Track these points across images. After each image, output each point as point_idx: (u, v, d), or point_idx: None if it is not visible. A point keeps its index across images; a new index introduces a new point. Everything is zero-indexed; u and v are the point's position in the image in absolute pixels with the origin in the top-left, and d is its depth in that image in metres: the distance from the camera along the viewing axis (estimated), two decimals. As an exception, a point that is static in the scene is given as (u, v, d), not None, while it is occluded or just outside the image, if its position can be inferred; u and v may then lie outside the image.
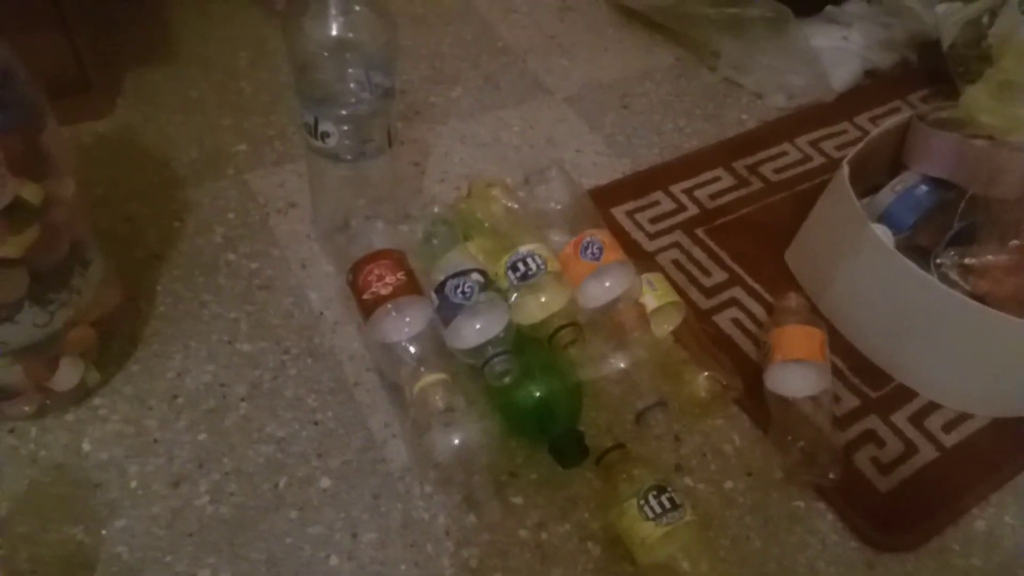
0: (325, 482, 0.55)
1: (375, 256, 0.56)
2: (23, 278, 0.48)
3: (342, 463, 0.56)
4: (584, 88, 0.92)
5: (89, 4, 0.88)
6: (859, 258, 0.61)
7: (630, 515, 0.49)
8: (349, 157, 0.60)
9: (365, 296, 0.55)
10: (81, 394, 0.57)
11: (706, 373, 0.58)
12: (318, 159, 0.61)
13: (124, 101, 0.82)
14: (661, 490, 0.50)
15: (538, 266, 0.56)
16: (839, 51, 0.92)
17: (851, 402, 0.61)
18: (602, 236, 0.59)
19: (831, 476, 0.54)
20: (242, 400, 0.59)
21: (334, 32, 0.56)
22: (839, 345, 0.63)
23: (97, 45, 0.86)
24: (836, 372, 0.62)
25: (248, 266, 0.68)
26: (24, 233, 0.47)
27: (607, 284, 0.57)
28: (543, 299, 0.55)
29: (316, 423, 0.58)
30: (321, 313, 0.65)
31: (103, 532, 0.51)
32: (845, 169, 0.63)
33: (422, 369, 0.53)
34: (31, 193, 0.46)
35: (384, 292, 0.54)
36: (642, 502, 0.49)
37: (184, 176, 0.75)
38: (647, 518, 0.49)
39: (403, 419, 0.57)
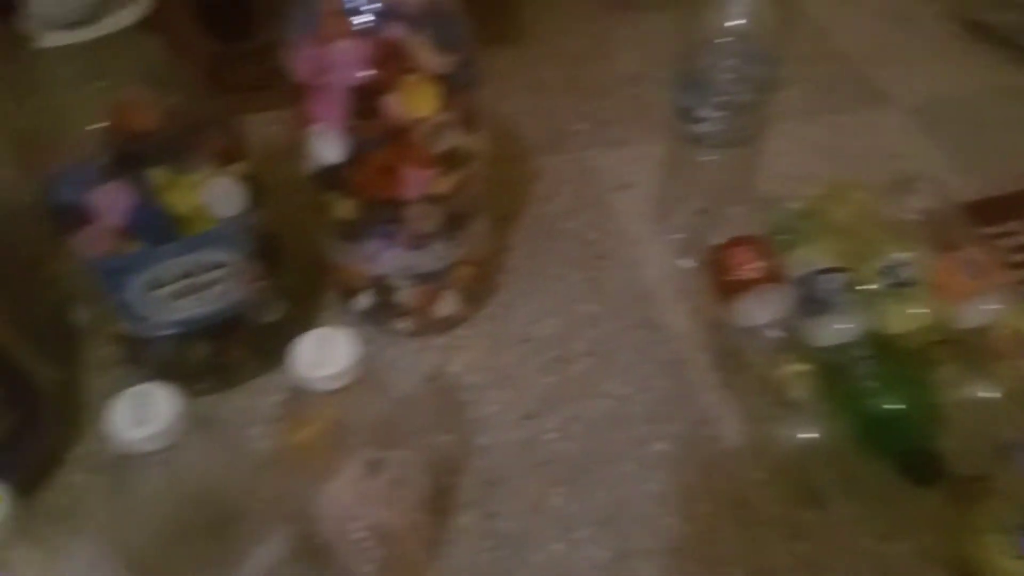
0: (659, 446, 0.57)
1: (741, 240, 0.58)
2: (443, 213, 0.56)
3: (675, 432, 0.58)
4: (927, 101, 0.87)
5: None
6: None
7: (996, 550, 0.47)
8: (718, 143, 0.62)
9: (729, 277, 0.56)
10: (451, 324, 0.64)
11: (1087, 419, 0.52)
12: (682, 144, 0.64)
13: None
14: (1035, 529, 0.46)
15: (913, 275, 0.54)
16: None
17: None
18: (985, 255, 0.55)
19: None
20: (583, 355, 0.63)
21: (730, 22, 0.58)
22: None
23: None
24: None
25: (587, 235, 0.73)
26: (455, 175, 0.54)
27: (987, 306, 0.54)
28: (916, 310, 0.53)
29: (650, 390, 0.61)
30: (655, 290, 0.68)
31: (470, 443, 0.57)
32: None
33: (779, 357, 0.54)
34: (467, 142, 0.53)
35: (751, 276, 0.55)
36: (1013, 539, 0.46)
37: (531, 148, 0.82)
38: (1018, 556, 0.46)
39: (746, 403, 0.58)
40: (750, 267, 0.55)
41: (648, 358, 0.63)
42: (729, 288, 0.56)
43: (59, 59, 0.43)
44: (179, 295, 0.52)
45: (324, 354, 0.37)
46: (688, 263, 0.66)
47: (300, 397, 0.38)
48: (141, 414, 0.34)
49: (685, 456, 0.57)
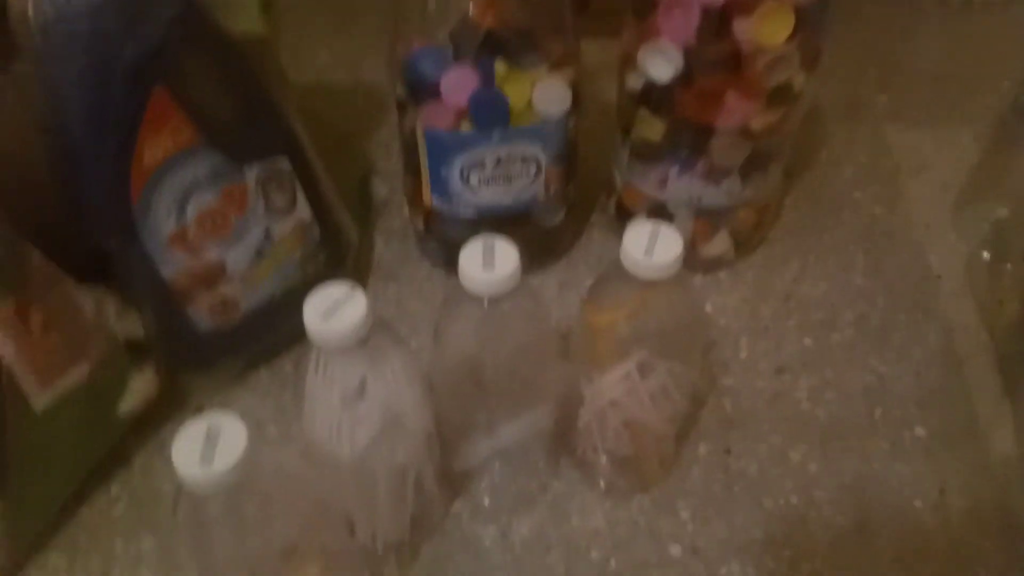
0: (920, 431, 0.55)
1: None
2: (747, 148, 0.56)
3: (940, 422, 0.55)
4: None
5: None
6: None
7: None
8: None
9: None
10: (715, 265, 0.65)
11: None
12: (1013, 136, 0.59)
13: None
14: None
15: None
16: None
17: None
18: None
19: None
20: (849, 325, 0.61)
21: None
22: None
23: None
24: None
25: (872, 209, 0.70)
26: (775, 113, 0.53)
27: None
28: None
29: (918, 376, 0.58)
30: (939, 277, 0.64)
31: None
32: None
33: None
34: (800, 81, 0.52)
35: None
36: None
37: (824, 110, 0.78)
38: None
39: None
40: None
41: (921, 344, 0.60)
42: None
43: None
44: (488, 181, 0.57)
45: (654, 245, 0.39)
46: (987, 257, 0.62)
47: (616, 280, 0.41)
48: (488, 261, 0.39)
49: (946, 450, 0.54)
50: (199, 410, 0.57)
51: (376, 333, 0.39)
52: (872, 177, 0.72)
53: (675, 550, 0.50)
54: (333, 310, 0.36)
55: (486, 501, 0.52)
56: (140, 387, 0.53)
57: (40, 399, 0.45)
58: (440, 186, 0.58)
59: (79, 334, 0.49)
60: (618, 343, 0.45)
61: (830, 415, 0.56)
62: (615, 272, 0.41)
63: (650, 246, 0.39)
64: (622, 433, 0.48)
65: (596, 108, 0.68)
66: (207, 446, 0.31)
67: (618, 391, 0.45)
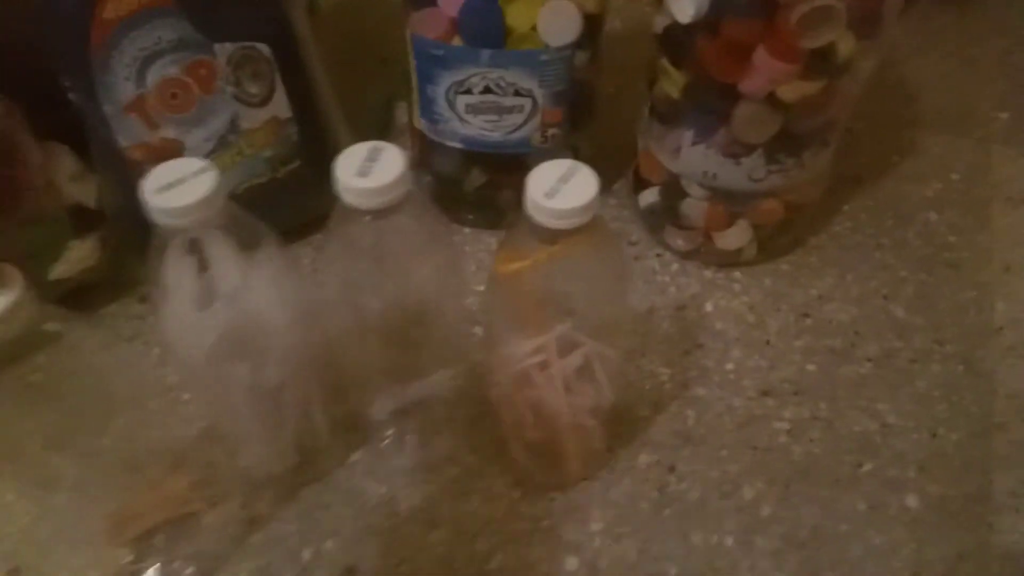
0: (912, 500, 0.45)
1: None
2: (775, 124, 0.47)
3: (939, 495, 0.45)
4: None
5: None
6: None
7: None
8: None
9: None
10: (729, 260, 0.56)
11: None
12: None
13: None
14: None
15: None
16: None
17: None
18: None
19: None
20: (868, 360, 0.51)
21: None
22: None
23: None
24: None
25: (945, 236, 0.58)
26: (816, 84, 0.44)
27: None
28: None
29: (934, 436, 0.47)
30: (1000, 329, 0.53)
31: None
32: None
33: None
34: (850, 48, 0.43)
35: None
36: None
37: (926, 120, 0.67)
38: None
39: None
40: None
41: (950, 401, 0.49)
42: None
43: None
44: (476, 110, 0.51)
45: (561, 187, 0.32)
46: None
47: (526, 226, 0.34)
48: (366, 168, 0.33)
49: (937, 530, 0.44)
50: (144, 300, 0.55)
51: (249, 233, 0.35)
52: (957, 200, 0.61)
53: (571, 563, 0.43)
54: (180, 182, 0.32)
55: (386, 459, 0.47)
56: (78, 255, 0.51)
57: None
58: (427, 106, 0.52)
59: (14, 180, 0.47)
60: (538, 309, 0.38)
61: (807, 456, 0.47)
62: (525, 215, 0.34)
63: (556, 187, 0.32)
64: (529, 415, 0.41)
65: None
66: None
67: (527, 364, 0.39)
